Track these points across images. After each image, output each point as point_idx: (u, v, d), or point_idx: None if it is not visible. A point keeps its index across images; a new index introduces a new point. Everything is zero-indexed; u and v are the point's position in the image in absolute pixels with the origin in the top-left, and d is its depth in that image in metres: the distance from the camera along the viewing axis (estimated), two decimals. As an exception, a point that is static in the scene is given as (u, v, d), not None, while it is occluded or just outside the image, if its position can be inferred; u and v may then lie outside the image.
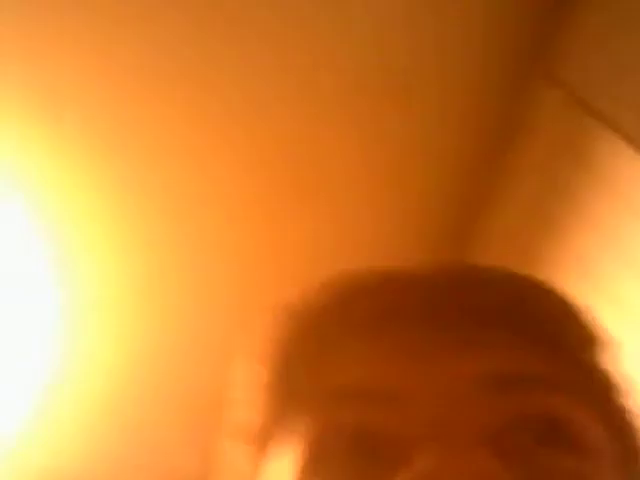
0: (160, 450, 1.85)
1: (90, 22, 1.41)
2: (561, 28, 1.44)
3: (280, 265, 1.67)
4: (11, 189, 1.54)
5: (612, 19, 1.36)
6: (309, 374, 0.49)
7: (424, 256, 1.60)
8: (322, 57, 1.47)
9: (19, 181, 1.54)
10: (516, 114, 1.53)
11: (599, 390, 0.49)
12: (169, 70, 1.46)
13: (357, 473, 0.43)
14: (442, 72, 1.52)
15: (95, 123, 1.50)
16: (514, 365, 0.47)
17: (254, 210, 1.62)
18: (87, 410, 1.79)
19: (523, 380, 0.46)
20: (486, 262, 1.47)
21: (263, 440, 0.49)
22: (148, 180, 1.57)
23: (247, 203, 1.61)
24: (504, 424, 0.44)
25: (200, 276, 1.70)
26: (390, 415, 0.45)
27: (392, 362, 0.47)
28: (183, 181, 1.58)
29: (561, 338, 0.50)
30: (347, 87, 1.50)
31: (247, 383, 0.52)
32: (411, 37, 1.48)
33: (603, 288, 1.34)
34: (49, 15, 1.39)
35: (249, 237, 1.65)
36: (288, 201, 1.63)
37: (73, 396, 1.77)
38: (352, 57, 1.48)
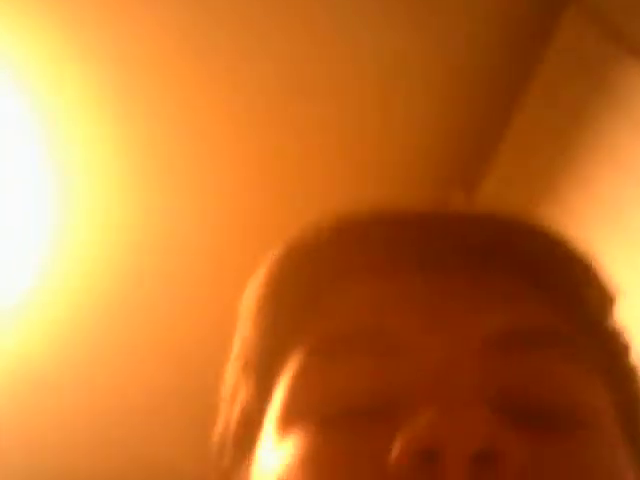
0: (155, 325, 1.85)
1: None
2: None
3: (278, 201, 1.64)
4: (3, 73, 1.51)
5: None
6: (305, 314, 0.48)
7: (433, 189, 1.58)
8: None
9: (13, 65, 1.51)
10: (540, 30, 1.48)
11: (612, 355, 0.48)
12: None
13: (354, 429, 0.42)
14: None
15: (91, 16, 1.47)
16: (528, 323, 0.45)
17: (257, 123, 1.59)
18: (80, 290, 1.78)
19: (537, 340, 0.44)
20: (498, 190, 1.45)
21: (261, 372, 0.48)
22: (144, 71, 1.53)
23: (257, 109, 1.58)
24: (511, 387, 0.42)
25: (200, 178, 1.67)
26: (391, 367, 0.43)
27: (395, 309, 0.45)
28: (181, 80, 1.54)
29: (580, 296, 0.48)
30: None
31: (246, 312, 0.50)
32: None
33: (617, 216, 1.32)
34: None
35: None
36: (281, 139, 1.59)
37: (64, 278, 1.77)
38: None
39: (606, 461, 0.42)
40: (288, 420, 0.44)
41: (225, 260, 1.70)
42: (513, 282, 0.46)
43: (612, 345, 0.48)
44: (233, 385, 0.51)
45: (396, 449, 0.39)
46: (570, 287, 0.47)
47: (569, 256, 0.48)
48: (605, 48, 1.36)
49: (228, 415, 0.51)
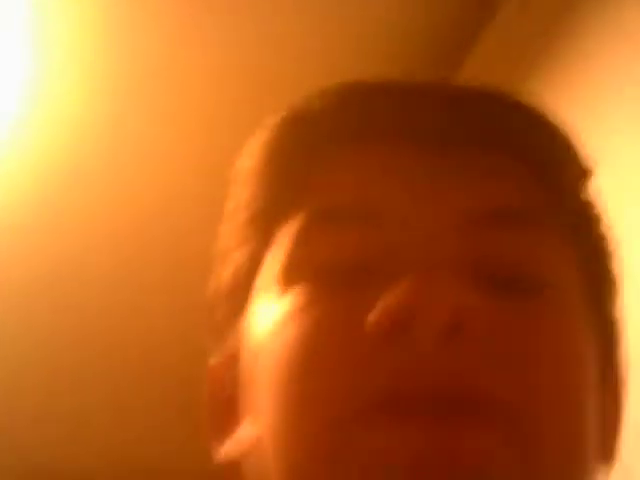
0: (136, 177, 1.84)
1: None
2: None
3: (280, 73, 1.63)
4: None
5: None
6: (295, 179, 0.49)
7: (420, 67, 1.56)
8: None
9: None
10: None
11: (584, 225, 0.50)
12: None
13: (342, 294, 0.45)
14: None
15: None
16: (508, 200, 0.47)
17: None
18: (54, 146, 1.75)
19: (515, 216, 0.47)
20: (482, 67, 1.44)
21: (259, 228, 0.50)
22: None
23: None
24: (487, 258, 0.45)
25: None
26: (374, 237, 0.46)
27: (382, 181, 0.47)
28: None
29: (558, 169, 0.50)
30: None
31: (242, 175, 0.52)
32: None
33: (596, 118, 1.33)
34: None
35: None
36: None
37: (39, 133, 1.74)
38: None
39: (567, 326, 0.45)
40: (285, 278, 0.47)
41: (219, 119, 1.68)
42: (495, 158, 0.48)
43: (585, 219, 0.51)
44: (227, 242, 0.53)
45: (372, 316, 0.42)
46: (547, 159, 0.49)
47: (546, 128, 0.50)
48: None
49: (222, 272, 0.52)
